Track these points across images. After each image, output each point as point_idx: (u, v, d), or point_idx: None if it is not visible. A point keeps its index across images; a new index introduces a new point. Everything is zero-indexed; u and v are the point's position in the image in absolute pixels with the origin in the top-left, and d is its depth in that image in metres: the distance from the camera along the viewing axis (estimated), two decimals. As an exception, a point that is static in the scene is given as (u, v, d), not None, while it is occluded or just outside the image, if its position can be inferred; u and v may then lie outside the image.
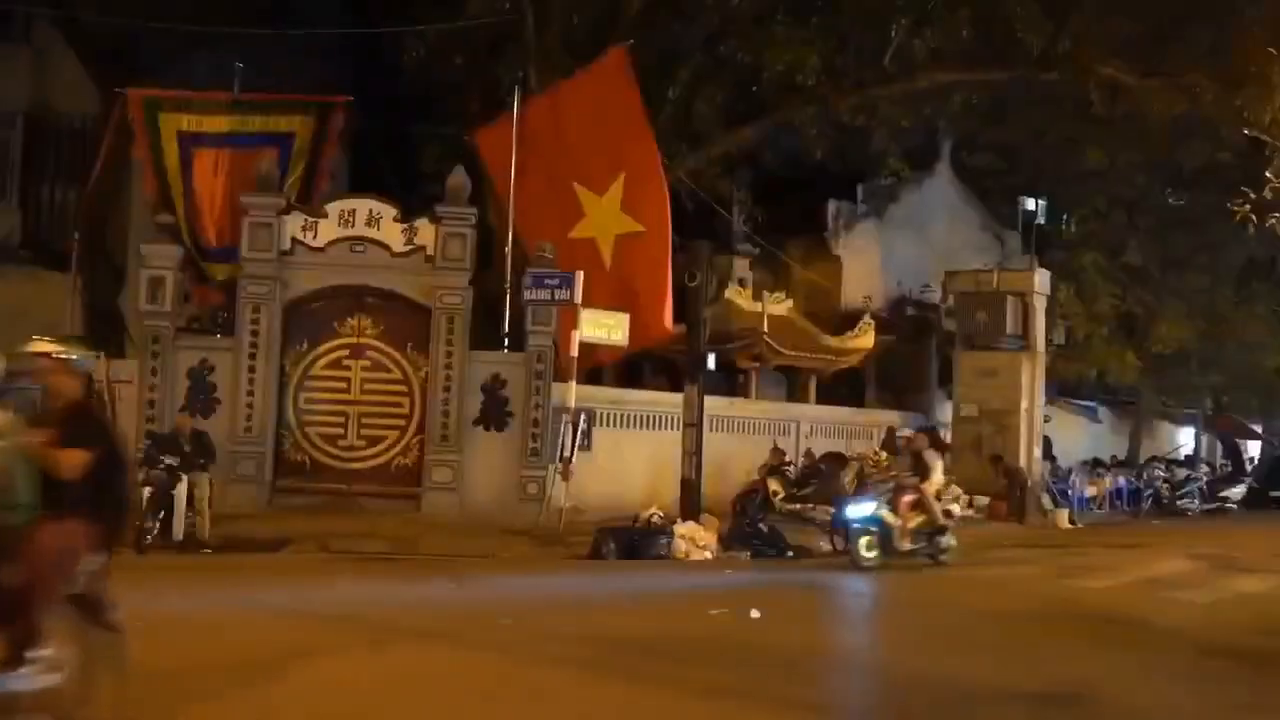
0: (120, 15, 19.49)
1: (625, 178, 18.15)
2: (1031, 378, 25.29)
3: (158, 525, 13.91)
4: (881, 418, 25.53)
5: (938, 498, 15.00)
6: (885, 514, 14.53)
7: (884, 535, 14.44)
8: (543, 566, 14.09)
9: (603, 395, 19.60)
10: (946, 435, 26.37)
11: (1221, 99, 19.96)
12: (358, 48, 22.20)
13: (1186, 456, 34.31)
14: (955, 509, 20.99)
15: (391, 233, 17.53)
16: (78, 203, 21.11)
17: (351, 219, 17.55)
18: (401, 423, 17.48)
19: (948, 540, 15.10)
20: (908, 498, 14.72)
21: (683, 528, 15.61)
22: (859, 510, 14.73)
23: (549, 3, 19.44)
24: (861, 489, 16.69)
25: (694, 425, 17.24)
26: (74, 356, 5.95)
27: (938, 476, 15.14)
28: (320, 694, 7.02)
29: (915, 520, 14.72)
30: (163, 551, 13.62)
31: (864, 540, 14.41)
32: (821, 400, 25.26)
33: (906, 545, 14.59)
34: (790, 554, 16.05)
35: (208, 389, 17.25)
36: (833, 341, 24.98)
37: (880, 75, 21.14)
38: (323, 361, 17.57)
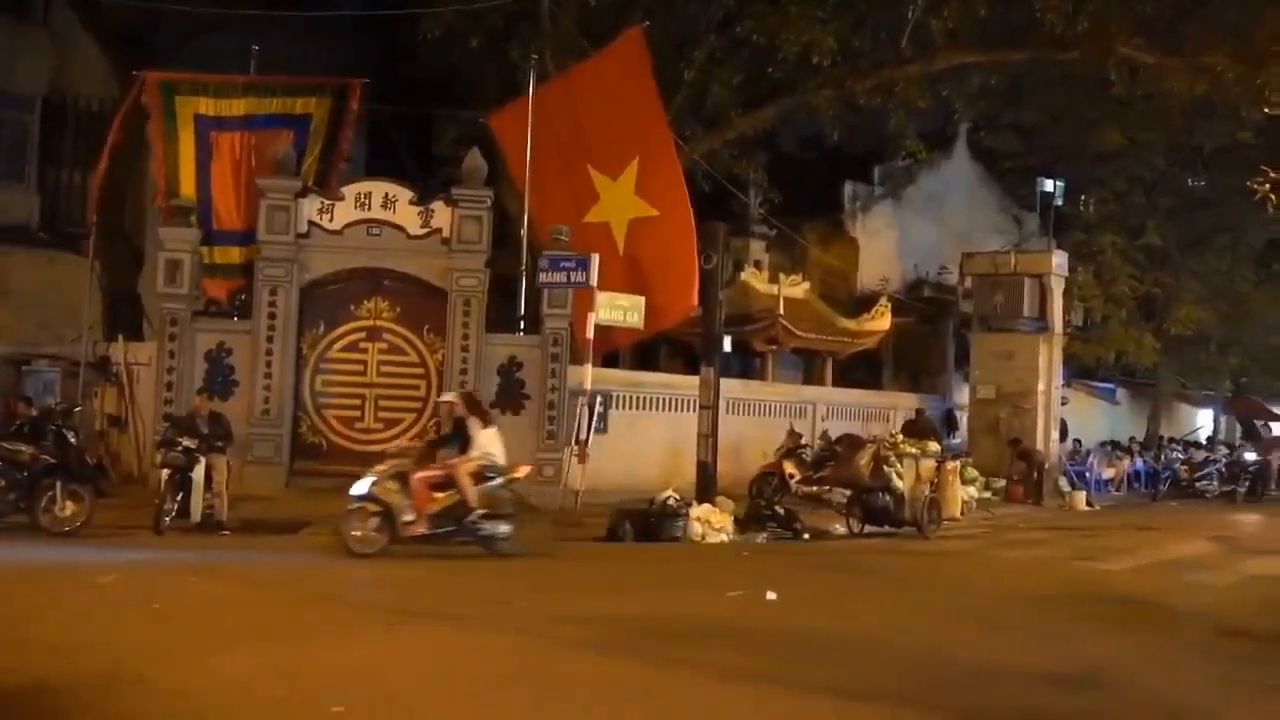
0: (137, -2, 19.53)
1: (639, 162, 18.13)
2: (1049, 360, 25.22)
3: (176, 507, 13.99)
4: (898, 400, 25.50)
5: (482, 476, 12.51)
6: (385, 492, 12.30)
7: (387, 517, 12.30)
8: (558, 548, 14.11)
9: (619, 378, 19.63)
10: (963, 418, 26.37)
11: (1242, 78, 19.82)
12: (374, 30, 22.21)
13: (1206, 438, 34.20)
14: (973, 491, 21.29)
15: (407, 215, 17.55)
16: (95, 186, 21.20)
17: (368, 202, 17.58)
18: (418, 405, 17.51)
19: (495, 527, 12.51)
20: (425, 474, 12.42)
21: (698, 510, 15.63)
22: (357, 487, 12.50)
23: (564, -17, 19.43)
24: (877, 471, 16.75)
25: (710, 407, 17.24)
26: None
27: (477, 450, 12.61)
28: (339, 675, 7.05)
29: (438, 502, 12.38)
30: (181, 533, 13.71)
31: (357, 522, 12.31)
32: (838, 383, 25.23)
33: (420, 530, 12.28)
34: (806, 536, 16.06)
35: (225, 371, 17.31)
36: (849, 324, 24.95)
37: (897, 56, 21.05)
38: (339, 344, 17.61)
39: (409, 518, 12.24)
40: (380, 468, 12.61)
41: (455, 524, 12.40)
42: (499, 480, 12.62)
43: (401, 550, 12.18)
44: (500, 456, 12.78)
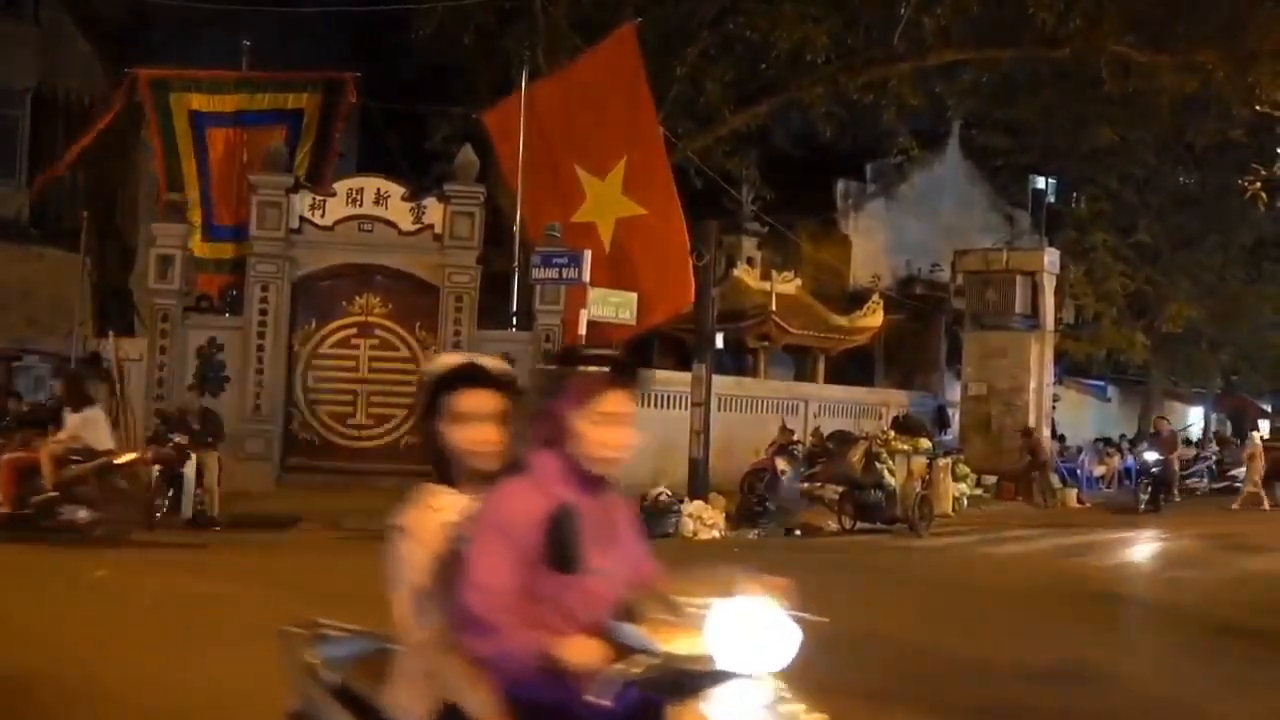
0: (127, -6, 19.51)
1: (627, 160, 18.03)
2: (1040, 357, 25.23)
3: (167, 503, 13.96)
4: (890, 397, 25.51)
5: (66, 460, 12.21)
6: None
7: None
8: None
9: (611, 374, 19.58)
10: (954, 415, 26.39)
11: (1233, 76, 19.86)
12: (367, 26, 22.17)
13: (1198, 437, 34.31)
14: (964, 487, 21.30)
15: (399, 212, 17.52)
16: (86, 182, 21.16)
17: (359, 198, 17.56)
18: (410, 401, 17.47)
19: (74, 511, 12.14)
20: (10, 457, 12.29)
21: (690, 506, 15.65)
22: None
23: (557, -21, 19.41)
24: (869, 468, 16.78)
25: (702, 404, 17.25)
26: None
27: (64, 433, 12.39)
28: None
29: (24, 486, 12.13)
30: (172, 530, 13.68)
31: None
32: (830, 379, 25.23)
33: (4, 510, 12.08)
34: (797, 532, 16.08)
35: (217, 367, 17.28)
36: (841, 321, 24.96)
37: (889, 53, 21.01)
38: (331, 340, 17.59)
39: None
40: None
41: (33, 507, 12.13)
42: (91, 464, 12.26)
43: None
44: (96, 440, 12.48)
